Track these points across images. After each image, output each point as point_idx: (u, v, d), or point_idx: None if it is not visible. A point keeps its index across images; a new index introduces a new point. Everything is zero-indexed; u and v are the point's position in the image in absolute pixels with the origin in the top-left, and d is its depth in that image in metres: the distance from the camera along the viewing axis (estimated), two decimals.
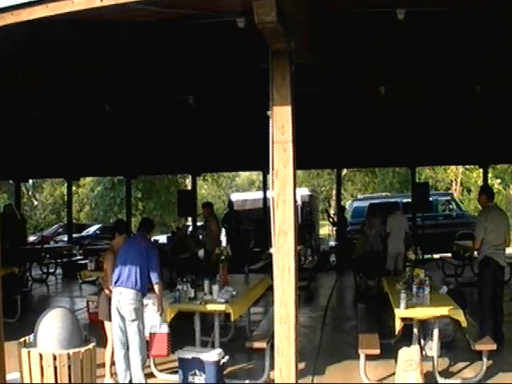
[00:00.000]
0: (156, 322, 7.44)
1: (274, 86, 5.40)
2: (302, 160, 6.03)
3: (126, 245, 7.56)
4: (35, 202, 41.49)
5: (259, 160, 7.46)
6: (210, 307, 7.77)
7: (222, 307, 7.68)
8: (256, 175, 44.94)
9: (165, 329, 7.38)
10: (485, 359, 7.32)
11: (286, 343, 5.35)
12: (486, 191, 9.42)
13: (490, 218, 8.88)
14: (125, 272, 7.11)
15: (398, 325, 7.27)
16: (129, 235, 8.05)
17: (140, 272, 7.10)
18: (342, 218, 19.52)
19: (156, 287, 7.31)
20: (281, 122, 5.40)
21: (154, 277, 7.25)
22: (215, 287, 8.06)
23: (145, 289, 7.23)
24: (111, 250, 7.85)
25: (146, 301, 7.53)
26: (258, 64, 5.80)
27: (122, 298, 6.97)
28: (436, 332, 7.49)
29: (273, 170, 5.38)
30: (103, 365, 7.51)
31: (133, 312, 6.93)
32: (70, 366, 5.53)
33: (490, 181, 24.92)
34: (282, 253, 5.35)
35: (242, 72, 9.57)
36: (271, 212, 5.43)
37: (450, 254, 18.00)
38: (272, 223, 5.40)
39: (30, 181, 34.39)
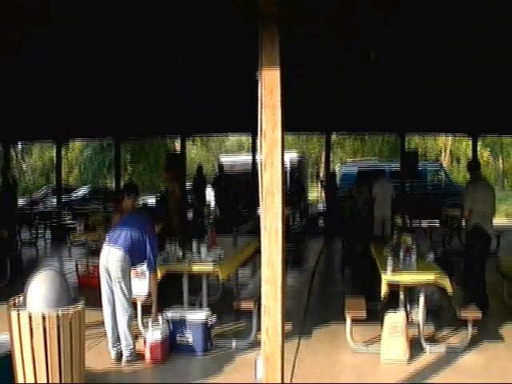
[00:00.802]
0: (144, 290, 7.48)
1: (263, 50, 5.37)
2: (291, 123, 6.04)
3: (130, 214, 7.61)
4: (24, 166, 41.28)
5: (248, 122, 7.43)
6: (198, 267, 7.81)
7: (210, 267, 7.73)
8: (245, 138, 44.76)
9: (157, 335, 7.24)
10: (470, 327, 7.44)
11: (273, 303, 5.38)
12: (473, 164, 9.80)
13: (478, 188, 9.27)
14: (118, 234, 7.14)
15: (384, 290, 7.31)
16: (137, 197, 8.03)
17: (133, 239, 7.09)
18: (333, 183, 19.60)
19: (151, 277, 7.37)
20: (269, 86, 5.36)
21: (149, 264, 7.27)
22: (203, 248, 8.11)
23: (134, 256, 7.17)
24: (118, 211, 7.85)
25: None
26: (248, 27, 5.76)
27: (111, 257, 6.98)
28: (422, 298, 7.56)
29: (261, 132, 5.37)
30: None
31: (119, 272, 6.95)
32: (59, 327, 5.59)
33: (479, 151, 24.93)
34: (269, 214, 5.35)
35: (232, 34, 9.49)
36: (259, 174, 5.44)
37: (438, 223, 18.20)
38: (260, 185, 5.41)
39: (19, 144, 34.13)
